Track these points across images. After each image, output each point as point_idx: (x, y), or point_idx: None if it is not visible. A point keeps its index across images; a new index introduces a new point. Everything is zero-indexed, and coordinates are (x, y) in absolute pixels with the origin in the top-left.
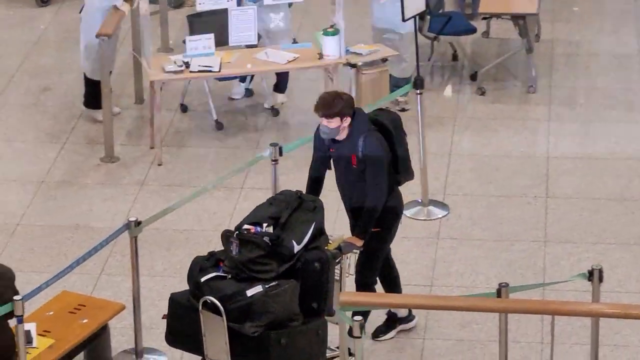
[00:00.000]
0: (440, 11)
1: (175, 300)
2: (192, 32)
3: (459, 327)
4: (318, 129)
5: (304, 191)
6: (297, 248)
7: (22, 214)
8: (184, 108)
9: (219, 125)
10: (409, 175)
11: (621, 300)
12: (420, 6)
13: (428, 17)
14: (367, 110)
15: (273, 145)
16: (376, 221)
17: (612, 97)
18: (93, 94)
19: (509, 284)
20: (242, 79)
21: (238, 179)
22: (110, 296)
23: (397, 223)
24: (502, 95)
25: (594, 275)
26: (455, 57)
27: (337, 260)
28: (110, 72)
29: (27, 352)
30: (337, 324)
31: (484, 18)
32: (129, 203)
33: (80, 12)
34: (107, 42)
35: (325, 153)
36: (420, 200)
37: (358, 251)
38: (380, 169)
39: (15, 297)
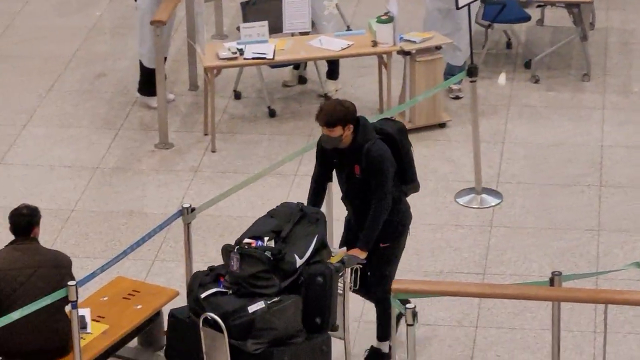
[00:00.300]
0: None
1: (175, 316)
2: (246, 19)
3: (512, 315)
4: (321, 138)
5: (305, 203)
6: (299, 262)
7: (77, 200)
8: (237, 95)
9: (272, 112)
10: (415, 186)
11: None
12: None
13: (482, 4)
14: (373, 119)
15: None
16: (384, 236)
17: None
18: (148, 81)
19: (562, 273)
20: (296, 66)
21: (291, 166)
22: (163, 282)
23: (406, 235)
24: (556, 84)
25: None
26: (509, 45)
27: (340, 274)
28: (165, 58)
29: (82, 338)
30: (341, 338)
31: (539, 6)
32: (182, 189)
33: (135, 0)
34: (161, 29)
35: (328, 163)
36: (473, 188)
37: (362, 264)
38: (385, 179)
39: (69, 283)
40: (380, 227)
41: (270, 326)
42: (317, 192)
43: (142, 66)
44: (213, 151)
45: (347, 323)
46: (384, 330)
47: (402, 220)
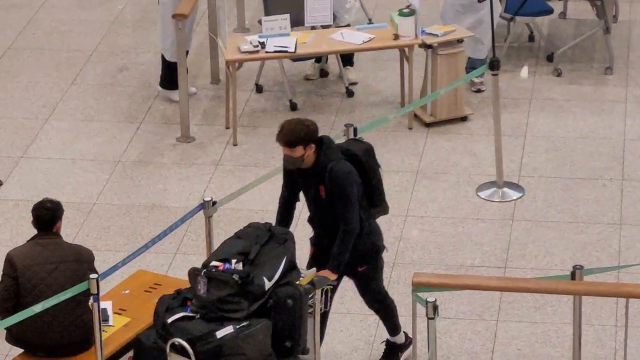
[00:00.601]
0: None
1: (141, 342)
2: (268, 12)
3: (533, 309)
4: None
5: (274, 223)
6: (268, 285)
7: (99, 194)
8: (259, 88)
9: (293, 106)
10: (384, 208)
11: None
12: None
13: None
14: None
15: (347, 125)
16: (360, 259)
17: None
18: (170, 75)
19: (583, 267)
20: (318, 59)
21: None
22: (185, 276)
23: (382, 252)
24: (579, 77)
25: None
26: (531, 38)
27: (310, 296)
28: (187, 52)
29: (104, 331)
30: None
31: None
32: (204, 183)
33: None
34: (183, 22)
35: (294, 184)
36: (495, 182)
37: (332, 285)
38: (350, 199)
39: (90, 276)
40: (350, 249)
41: (239, 351)
42: (285, 212)
43: (164, 60)
44: (234, 145)
45: (318, 346)
46: (392, 326)
47: (373, 241)
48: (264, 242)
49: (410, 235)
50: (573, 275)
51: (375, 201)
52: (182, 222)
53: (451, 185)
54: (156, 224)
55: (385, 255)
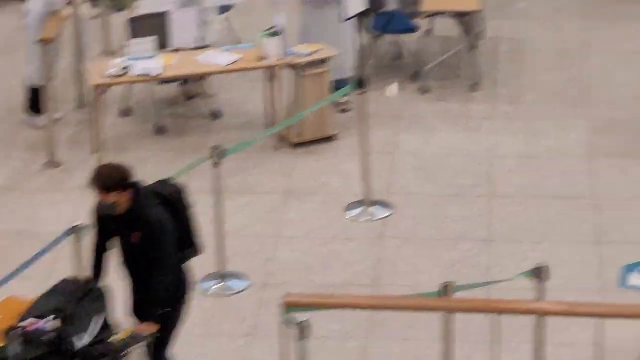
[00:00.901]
0: (383, 10)
1: None
2: (134, 35)
3: (405, 327)
4: (96, 204)
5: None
6: (82, 343)
7: None
8: (125, 112)
9: (160, 129)
10: (196, 249)
11: (566, 298)
12: (362, 6)
13: (370, 16)
14: (150, 181)
15: (215, 148)
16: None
17: (557, 94)
18: (35, 100)
19: (453, 283)
20: (184, 81)
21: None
22: None
23: (185, 304)
24: (446, 94)
25: (539, 274)
26: (398, 56)
27: (125, 353)
28: (52, 77)
29: None
30: None
31: (428, 16)
32: (73, 208)
33: (25, 19)
34: (48, 47)
35: (106, 230)
36: (363, 201)
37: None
38: (165, 247)
39: None
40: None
41: None
42: (99, 263)
43: (29, 85)
44: None
45: None
46: None
47: (181, 288)
48: (79, 298)
49: (281, 256)
50: (443, 292)
51: (188, 243)
52: (51, 247)
53: (320, 205)
54: (26, 250)
55: (256, 276)
